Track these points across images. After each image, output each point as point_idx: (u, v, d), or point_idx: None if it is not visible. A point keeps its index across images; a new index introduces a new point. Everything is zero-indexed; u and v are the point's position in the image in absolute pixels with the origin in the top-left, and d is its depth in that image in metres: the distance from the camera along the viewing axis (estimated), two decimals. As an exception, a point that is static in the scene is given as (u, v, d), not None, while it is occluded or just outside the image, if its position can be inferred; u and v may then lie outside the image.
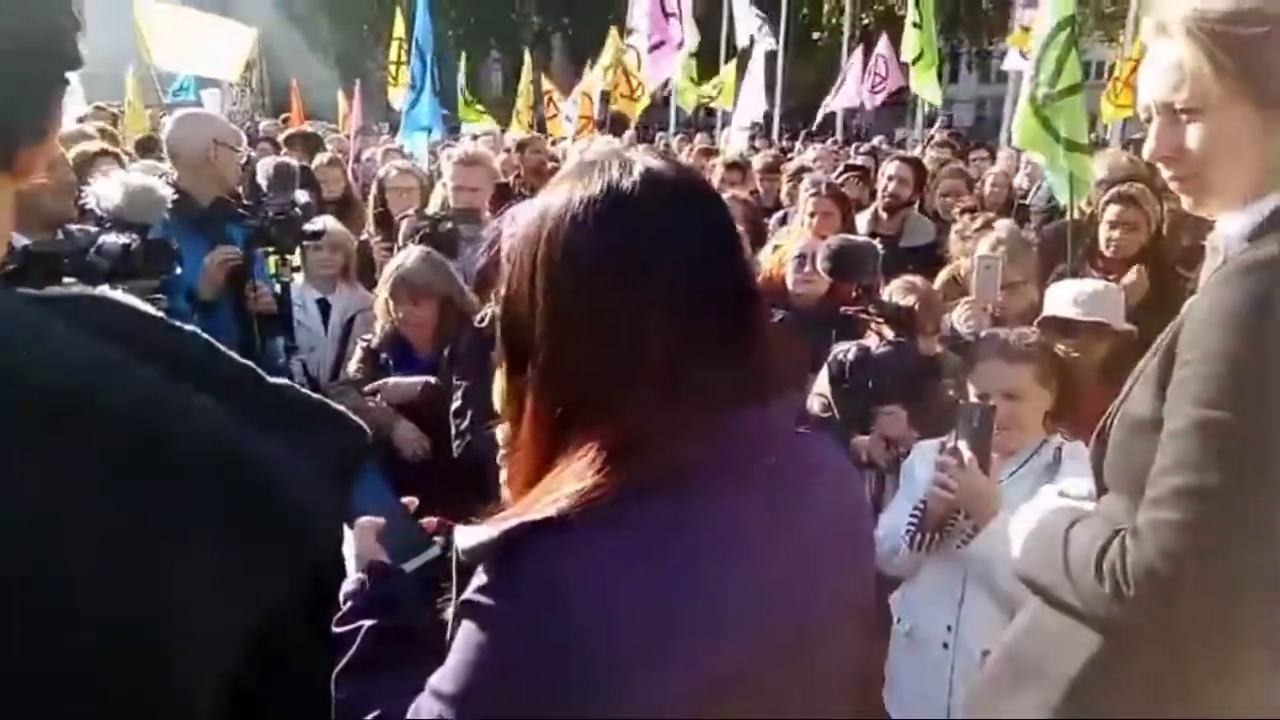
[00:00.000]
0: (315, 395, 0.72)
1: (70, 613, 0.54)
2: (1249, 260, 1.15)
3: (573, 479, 0.81)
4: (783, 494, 0.87)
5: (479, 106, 9.56)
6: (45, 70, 0.65)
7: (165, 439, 0.59)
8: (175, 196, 2.69)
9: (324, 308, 3.68)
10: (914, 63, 9.81)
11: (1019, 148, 4.10)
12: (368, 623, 1.03)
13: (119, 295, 0.66)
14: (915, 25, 9.67)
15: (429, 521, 1.26)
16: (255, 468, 0.62)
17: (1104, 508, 1.34)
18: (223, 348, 0.68)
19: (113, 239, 2.34)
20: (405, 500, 1.27)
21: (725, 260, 0.89)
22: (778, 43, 12.09)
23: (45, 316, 0.60)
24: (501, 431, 1.48)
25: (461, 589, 0.83)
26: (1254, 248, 1.17)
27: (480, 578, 0.81)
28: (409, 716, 0.85)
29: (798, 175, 5.59)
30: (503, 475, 1.49)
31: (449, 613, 0.88)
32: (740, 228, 0.95)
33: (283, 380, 0.71)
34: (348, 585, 1.09)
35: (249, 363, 0.68)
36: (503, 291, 0.90)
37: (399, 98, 7.91)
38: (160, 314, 0.66)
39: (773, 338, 0.92)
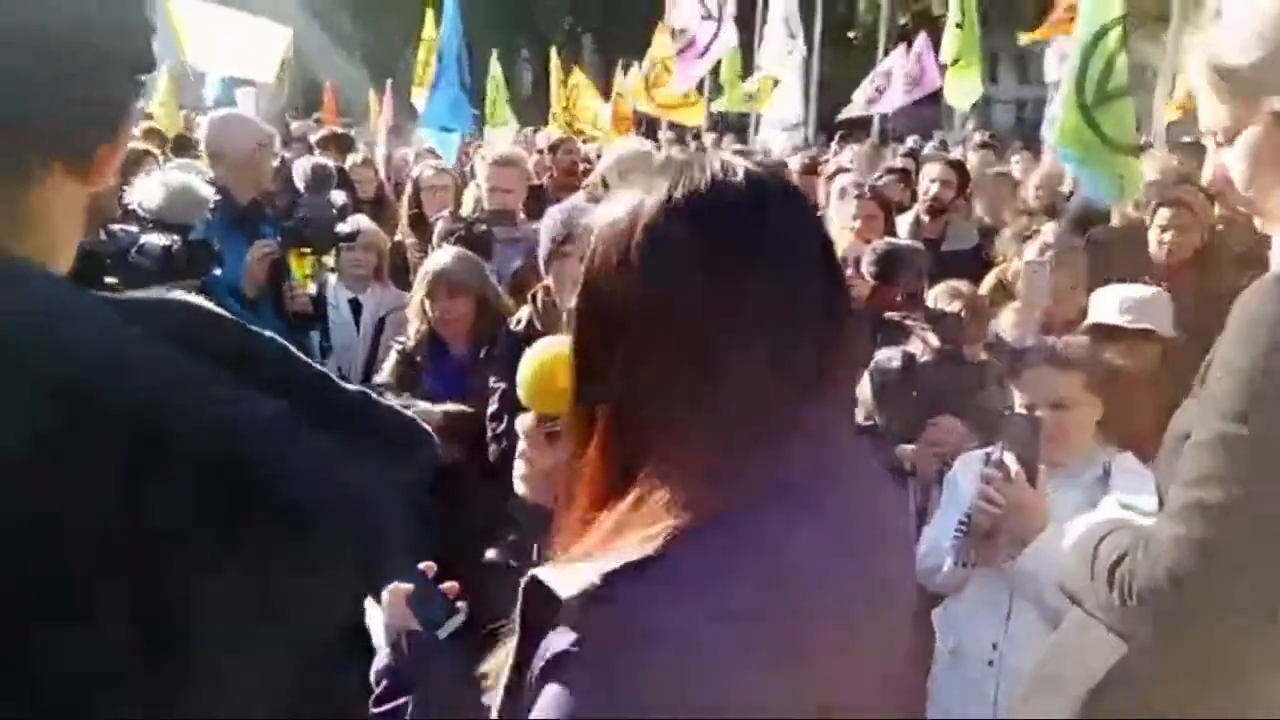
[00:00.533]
0: (386, 402, 0.71)
1: (71, 612, 0.55)
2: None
3: (656, 513, 0.73)
4: (859, 526, 0.82)
5: (507, 107, 9.56)
6: (119, 73, 0.66)
7: (165, 438, 0.58)
8: (217, 197, 2.70)
9: (356, 307, 3.71)
10: (952, 64, 9.67)
11: (1057, 145, 4.02)
12: (411, 699, 0.97)
13: (197, 299, 0.67)
14: (957, 25, 9.54)
15: (449, 587, 1.20)
16: (256, 467, 0.60)
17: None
18: (298, 353, 0.69)
19: (154, 239, 2.35)
20: (423, 566, 1.20)
21: (820, 271, 0.81)
22: (809, 46, 11.99)
23: (76, 312, 0.60)
24: (523, 424, 1.43)
25: (528, 645, 0.75)
26: None
27: (568, 633, 0.71)
28: None
29: (834, 177, 5.54)
30: (519, 471, 1.44)
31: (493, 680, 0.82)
32: None
33: (357, 387, 0.71)
34: (380, 661, 1.03)
35: (324, 369, 0.69)
36: (581, 294, 0.82)
37: (422, 99, 7.92)
38: (239, 320, 0.67)
39: (859, 360, 0.87)
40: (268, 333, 0.68)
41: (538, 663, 0.72)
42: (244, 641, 0.57)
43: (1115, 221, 3.78)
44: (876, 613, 0.82)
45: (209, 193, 2.62)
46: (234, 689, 0.57)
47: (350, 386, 0.70)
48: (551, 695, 0.70)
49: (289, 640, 0.60)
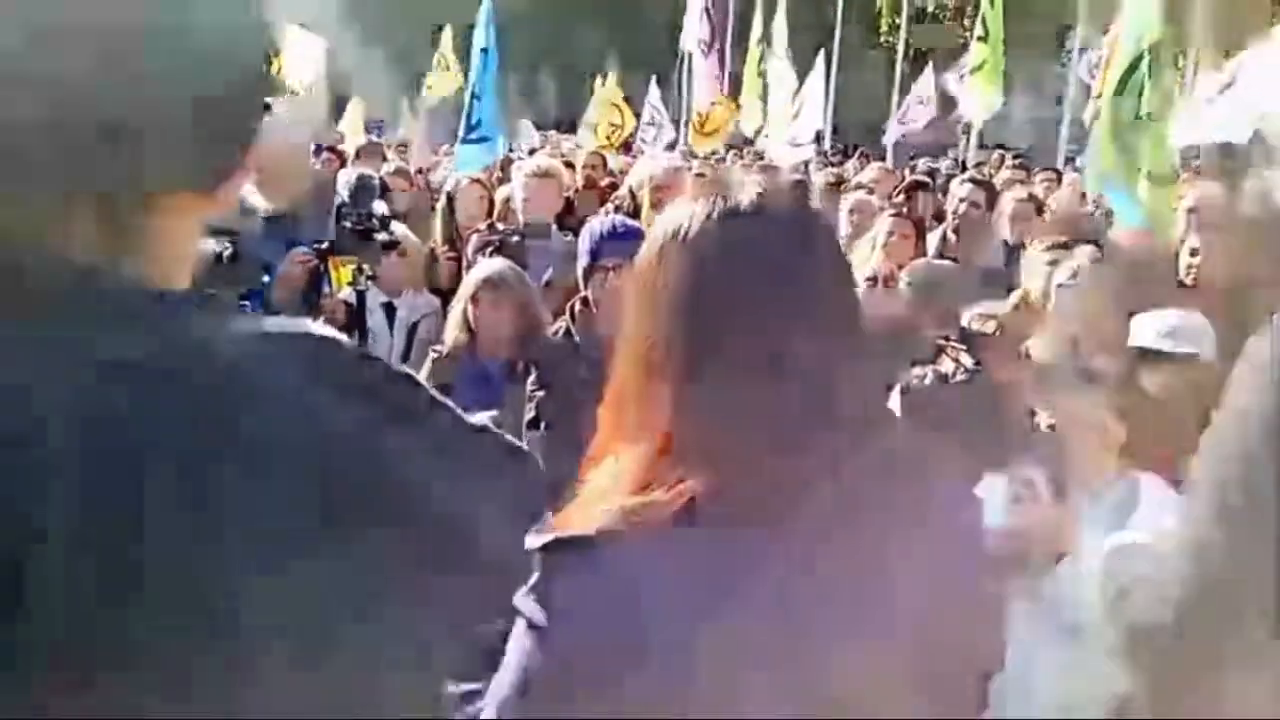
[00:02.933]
0: (508, 438, 0.73)
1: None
2: None
3: (627, 484, 0.86)
4: (850, 539, 0.87)
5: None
6: (251, 101, 0.67)
7: (332, 475, 0.59)
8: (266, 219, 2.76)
9: (389, 311, 3.78)
10: (974, 71, 9.65)
11: (1102, 177, 4.03)
12: None
13: (320, 328, 0.67)
14: (980, 39, 9.57)
15: None
16: (407, 502, 0.63)
17: None
18: (429, 389, 0.70)
19: (205, 245, 2.40)
20: None
21: (833, 288, 0.94)
22: (827, 64, 12.03)
23: (271, 356, 0.61)
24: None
25: None
26: None
27: (530, 580, 0.85)
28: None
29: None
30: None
31: None
32: None
33: (482, 421, 0.72)
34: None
35: (450, 404, 0.70)
36: (627, 312, 0.96)
37: (445, 86, 7.93)
38: (378, 358, 0.68)
39: (865, 372, 0.95)
40: (404, 369, 0.70)
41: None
42: (394, 676, 0.59)
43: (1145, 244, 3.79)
44: (864, 612, 0.87)
45: (260, 201, 2.68)
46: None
47: (475, 419, 0.72)
48: (514, 630, 0.86)
49: (433, 668, 0.62)
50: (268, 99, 0.68)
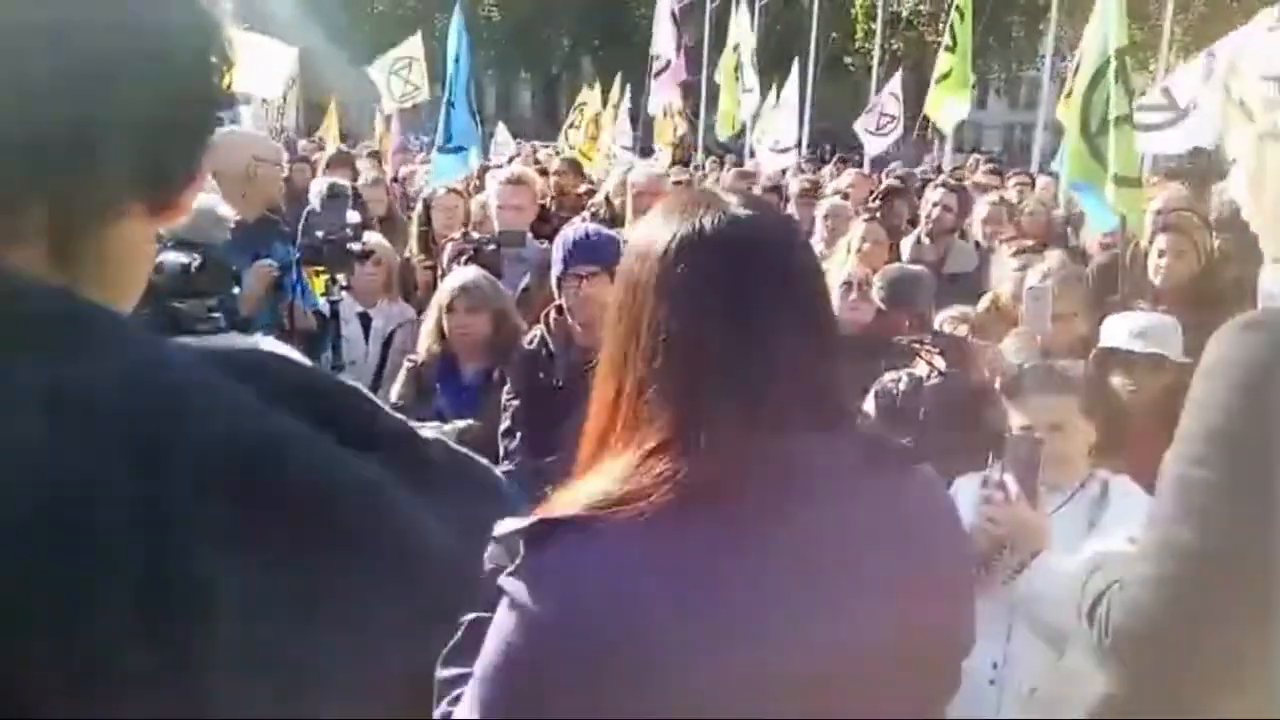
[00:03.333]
0: (463, 451, 0.72)
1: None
2: (1254, 317, 1.15)
3: (616, 475, 0.88)
4: (830, 525, 0.91)
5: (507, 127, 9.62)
6: (199, 114, 0.65)
7: (339, 516, 0.59)
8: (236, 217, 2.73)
9: (365, 321, 3.79)
10: (939, 81, 9.68)
11: (1072, 180, 4.08)
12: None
13: (279, 347, 0.66)
14: (948, 49, 9.64)
15: None
16: (359, 532, 0.62)
17: None
18: (380, 403, 0.69)
19: (173, 257, 2.37)
20: None
21: (803, 297, 0.98)
22: (803, 71, 12.11)
23: (215, 380, 0.60)
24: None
25: None
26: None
27: (513, 564, 0.87)
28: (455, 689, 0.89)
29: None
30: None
31: None
32: None
33: (435, 434, 0.71)
34: None
35: (403, 419, 0.69)
36: (611, 315, 0.99)
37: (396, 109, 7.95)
38: (317, 369, 0.67)
39: (839, 371, 0.98)
40: (353, 383, 0.68)
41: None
42: (349, 701, 0.59)
43: (1123, 251, 3.82)
44: (841, 616, 0.90)
45: (229, 213, 2.65)
46: None
47: (429, 434, 0.71)
48: (497, 613, 0.88)
49: (387, 696, 0.62)
50: (219, 110, 0.67)
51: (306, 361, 0.67)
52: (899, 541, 0.95)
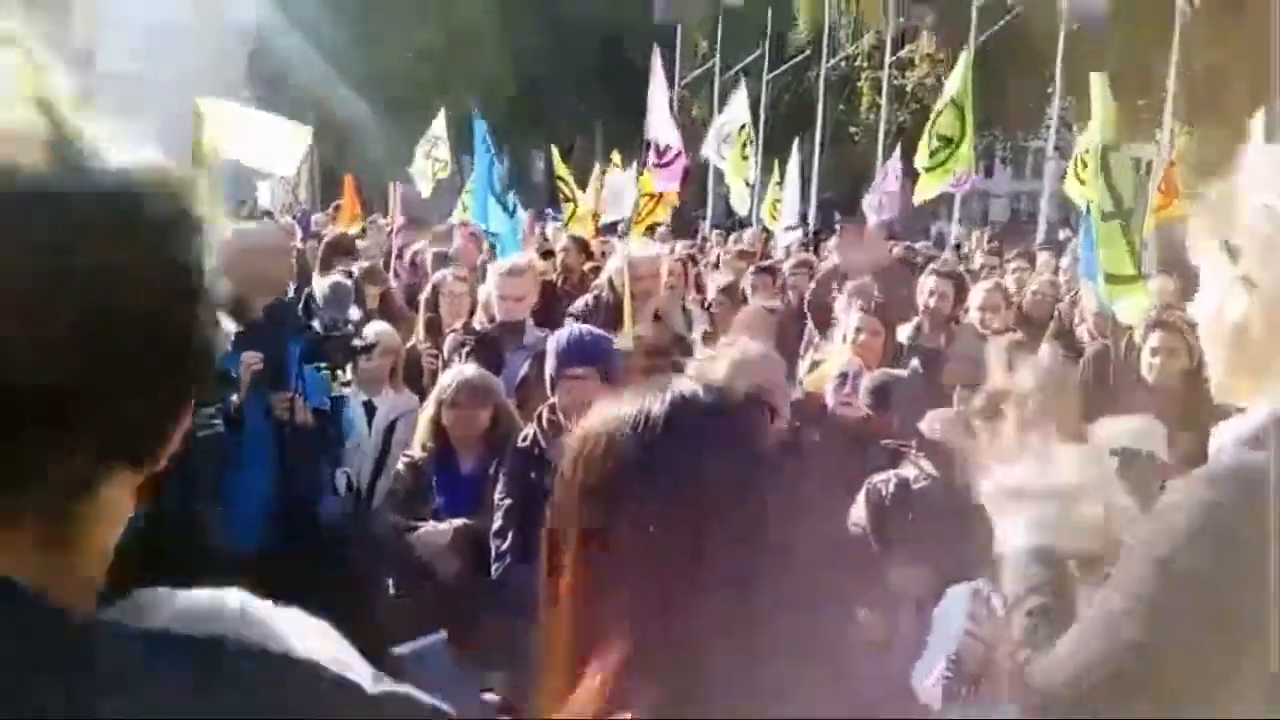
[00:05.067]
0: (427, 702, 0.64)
1: None
2: (1214, 471, 1.16)
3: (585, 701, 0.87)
4: None
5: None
6: (178, 390, 0.62)
7: None
8: (240, 330, 2.79)
9: (369, 409, 3.81)
10: (929, 170, 9.50)
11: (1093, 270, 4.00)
12: None
13: (251, 604, 0.61)
14: (954, 103, 9.35)
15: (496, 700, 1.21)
16: None
17: None
18: (332, 673, 0.60)
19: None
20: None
21: (739, 483, 0.95)
22: (809, 146, 12.29)
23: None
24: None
25: None
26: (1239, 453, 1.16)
27: None
28: None
29: (833, 277, 5.70)
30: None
31: None
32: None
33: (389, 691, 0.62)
34: None
35: (352, 679, 0.61)
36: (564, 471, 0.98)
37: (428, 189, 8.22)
38: (289, 650, 0.59)
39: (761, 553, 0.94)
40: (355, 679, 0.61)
41: None
42: None
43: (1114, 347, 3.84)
44: None
45: (231, 325, 2.71)
46: None
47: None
48: None
49: None
50: (195, 385, 0.62)
51: (277, 627, 0.61)
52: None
